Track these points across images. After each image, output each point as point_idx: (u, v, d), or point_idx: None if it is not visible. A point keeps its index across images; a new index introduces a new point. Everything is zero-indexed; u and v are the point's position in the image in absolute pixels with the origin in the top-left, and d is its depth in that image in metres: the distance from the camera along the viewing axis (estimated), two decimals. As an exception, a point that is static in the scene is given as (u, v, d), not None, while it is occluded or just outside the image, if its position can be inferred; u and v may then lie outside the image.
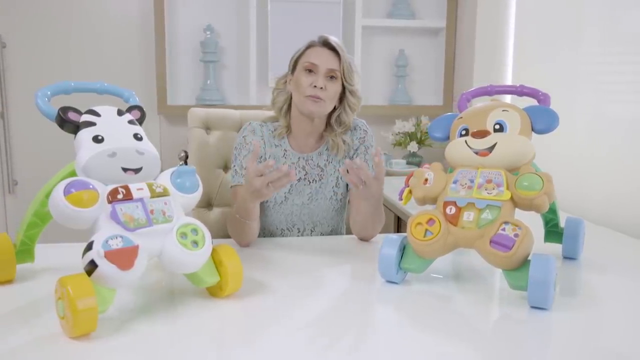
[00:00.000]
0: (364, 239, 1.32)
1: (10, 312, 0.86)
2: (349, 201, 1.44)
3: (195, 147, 1.60)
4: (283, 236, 1.41)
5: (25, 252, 0.99)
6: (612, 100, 1.64)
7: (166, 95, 2.60)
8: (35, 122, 2.57)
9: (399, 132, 2.69)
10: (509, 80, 2.24)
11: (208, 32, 2.60)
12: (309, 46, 1.34)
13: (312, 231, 1.42)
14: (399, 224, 2.00)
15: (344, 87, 1.33)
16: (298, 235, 1.42)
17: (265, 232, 1.42)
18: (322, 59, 1.30)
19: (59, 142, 2.49)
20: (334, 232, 1.45)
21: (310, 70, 1.30)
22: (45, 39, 2.58)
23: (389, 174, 2.45)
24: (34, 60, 2.58)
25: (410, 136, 2.69)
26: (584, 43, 1.76)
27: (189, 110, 1.64)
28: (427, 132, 2.67)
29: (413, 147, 2.66)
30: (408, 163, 2.68)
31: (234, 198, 1.35)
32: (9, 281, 0.98)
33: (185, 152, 2.57)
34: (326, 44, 1.32)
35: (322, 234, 1.43)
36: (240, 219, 1.20)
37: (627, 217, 1.50)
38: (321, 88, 1.27)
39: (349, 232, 1.47)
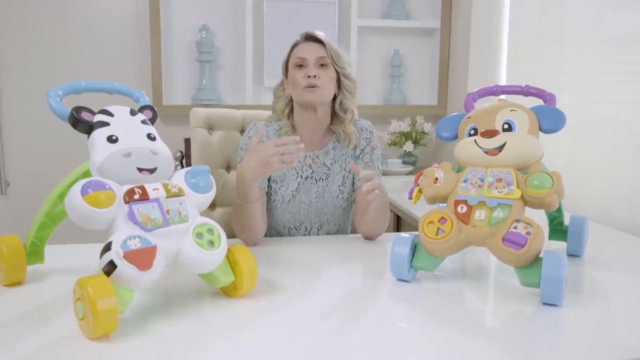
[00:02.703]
0: (370, 238, 1.33)
1: (24, 314, 0.85)
2: (354, 200, 1.44)
3: (198, 147, 1.59)
4: (290, 235, 1.42)
5: (35, 253, 0.98)
6: (610, 99, 1.67)
7: (161, 95, 2.58)
8: (28, 123, 2.56)
9: (394, 132, 2.70)
10: (503, 80, 2.26)
11: (204, 32, 2.59)
12: (294, 45, 1.38)
13: (319, 230, 1.43)
14: (399, 223, 2.01)
15: (338, 74, 1.36)
16: (305, 234, 1.42)
17: (273, 232, 1.42)
18: (309, 51, 1.34)
19: (52, 143, 2.51)
20: (340, 230, 1.46)
21: (300, 65, 1.33)
22: (40, 39, 2.55)
23: (385, 173, 2.47)
24: (27, 60, 2.54)
25: (406, 136, 2.71)
26: (581, 42, 1.78)
27: (190, 110, 1.63)
28: (422, 132, 2.69)
29: (409, 146, 2.67)
30: (404, 163, 2.70)
31: None
32: (19, 282, 0.97)
33: (181, 152, 2.56)
34: (309, 38, 1.36)
35: (328, 233, 1.44)
36: (241, 203, 1.22)
37: (625, 215, 1.53)
38: (314, 76, 1.31)
39: (354, 231, 1.48)
